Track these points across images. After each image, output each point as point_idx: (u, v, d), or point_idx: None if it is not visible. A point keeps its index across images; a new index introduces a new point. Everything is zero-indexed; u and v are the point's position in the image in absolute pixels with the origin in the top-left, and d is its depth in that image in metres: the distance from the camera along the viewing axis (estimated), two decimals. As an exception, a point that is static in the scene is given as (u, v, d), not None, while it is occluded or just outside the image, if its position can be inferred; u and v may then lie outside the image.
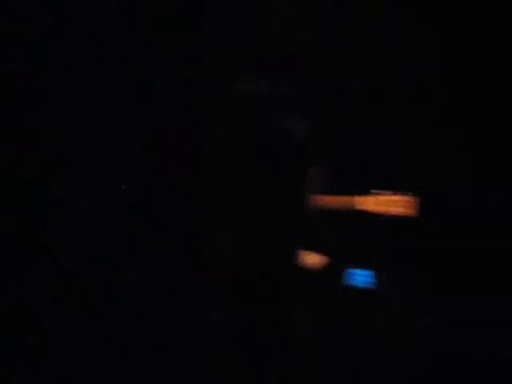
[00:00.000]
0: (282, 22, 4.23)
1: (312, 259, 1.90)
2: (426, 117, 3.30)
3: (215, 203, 2.31)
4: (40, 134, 3.35)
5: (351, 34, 3.79)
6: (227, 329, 2.31)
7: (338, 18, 3.77)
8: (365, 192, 1.99)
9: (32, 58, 3.38)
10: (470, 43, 3.73)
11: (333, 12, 3.80)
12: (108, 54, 3.60)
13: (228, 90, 2.54)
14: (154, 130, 3.80)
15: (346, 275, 2.06)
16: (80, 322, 2.72)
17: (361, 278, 2.08)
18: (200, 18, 3.62)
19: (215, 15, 3.73)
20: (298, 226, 1.78)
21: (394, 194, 2.03)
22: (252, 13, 3.69)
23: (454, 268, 2.69)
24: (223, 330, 2.47)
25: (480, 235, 2.92)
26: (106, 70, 3.60)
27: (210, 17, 3.63)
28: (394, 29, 3.84)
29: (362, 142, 2.80)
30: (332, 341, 1.92)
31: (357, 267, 2.07)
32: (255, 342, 2.17)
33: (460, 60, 3.76)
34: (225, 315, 2.31)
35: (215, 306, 2.60)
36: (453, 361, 2.36)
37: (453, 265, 2.69)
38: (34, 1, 3.38)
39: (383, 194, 1.99)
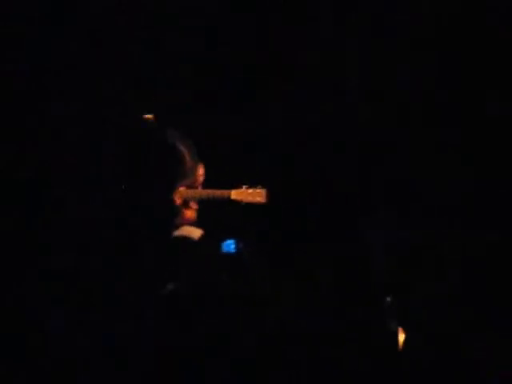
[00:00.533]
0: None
1: (194, 233, 2.71)
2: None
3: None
4: (40, 134, 3.35)
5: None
6: None
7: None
8: (233, 186, 2.77)
9: (32, 58, 3.38)
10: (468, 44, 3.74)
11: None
12: (108, 54, 3.60)
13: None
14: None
15: (220, 244, 2.83)
16: (80, 321, 2.72)
17: (230, 245, 2.84)
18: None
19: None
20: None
21: (254, 187, 2.78)
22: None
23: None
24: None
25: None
26: (106, 70, 3.60)
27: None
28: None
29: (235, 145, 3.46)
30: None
31: (227, 238, 2.85)
32: None
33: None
34: None
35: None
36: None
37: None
38: (34, 1, 3.38)
39: (246, 188, 2.78)
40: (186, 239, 2.65)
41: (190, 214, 2.76)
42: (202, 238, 2.74)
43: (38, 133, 3.36)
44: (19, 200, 3.19)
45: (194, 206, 2.76)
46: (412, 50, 3.78)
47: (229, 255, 2.83)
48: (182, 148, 2.78)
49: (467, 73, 3.78)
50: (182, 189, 2.74)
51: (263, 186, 2.80)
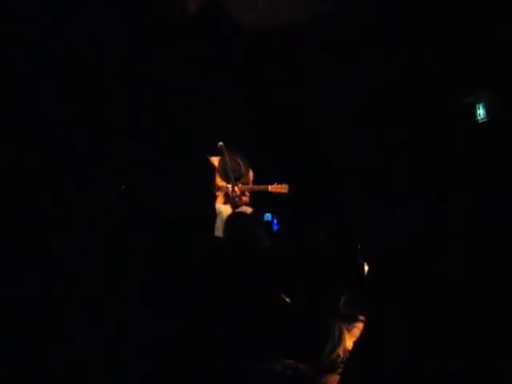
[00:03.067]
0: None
1: (248, 210, 4.38)
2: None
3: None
4: (40, 134, 3.34)
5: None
6: None
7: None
8: (270, 183, 4.55)
9: (32, 58, 3.38)
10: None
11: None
12: (107, 55, 3.61)
13: None
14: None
15: (260, 215, 4.94)
16: (80, 322, 2.72)
17: (268, 217, 5.24)
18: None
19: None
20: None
21: (281, 184, 4.56)
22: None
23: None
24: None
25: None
26: (105, 71, 3.60)
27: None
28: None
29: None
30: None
31: (266, 213, 5.22)
32: None
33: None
34: None
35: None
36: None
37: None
38: (34, 1, 3.38)
39: (276, 184, 4.55)
40: (243, 213, 4.20)
41: (245, 199, 4.52)
42: (252, 212, 4.34)
43: (38, 133, 3.35)
44: (19, 200, 3.18)
45: (247, 194, 4.54)
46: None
47: (267, 221, 5.21)
48: (240, 161, 4.53)
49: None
50: (240, 185, 4.49)
51: (286, 183, 4.57)
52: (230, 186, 4.47)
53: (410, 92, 4.57)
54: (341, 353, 2.55)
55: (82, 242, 3.07)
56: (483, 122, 4.34)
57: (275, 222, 5.37)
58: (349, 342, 2.62)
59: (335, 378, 2.48)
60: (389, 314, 2.18)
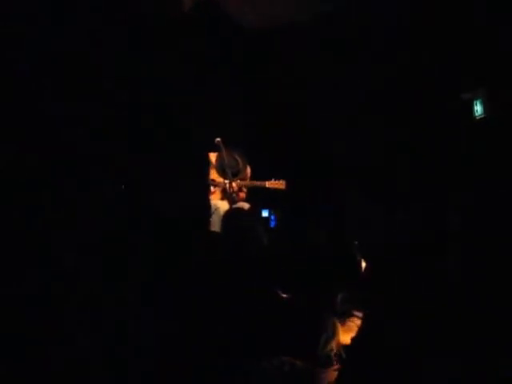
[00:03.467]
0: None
1: (245, 206, 4.39)
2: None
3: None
4: (40, 134, 3.34)
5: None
6: None
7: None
8: (267, 179, 4.55)
9: (32, 58, 3.38)
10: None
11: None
12: (107, 55, 3.60)
13: None
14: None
15: (257, 211, 4.88)
16: (80, 322, 2.71)
17: (266, 213, 5.16)
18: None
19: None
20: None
21: (278, 180, 4.53)
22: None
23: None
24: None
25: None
26: (105, 71, 3.60)
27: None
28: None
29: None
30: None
31: (264, 209, 5.15)
32: None
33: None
34: None
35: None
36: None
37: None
38: (34, 1, 3.38)
39: (273, 180, 4.54)
40: (241, 209, 4.18)
41: (242, 195, 4.54)
42: (250, 208, 4.30)
43: (38, 133, 3.35)
44: (19, 200, 3.18)
45: (244, 190, 4.57)
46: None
47: (264, 218, 5.16)
48: (238, 157, 4.51)
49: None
50: (238, 181, 4.48)
51: (284, 179, 4.55)
52: (227, 181, 4.43)
53: (410, 92, 4.58)
54: (334, 347, 2.56)
55: (82, 241, 3.07)
56: (481, 119, 4.35)
57: (272, 218, 5.34)
58: (343, 337, 2.62)
59: (331, 373, 2.49)
60: (389, 314, 2.18)
